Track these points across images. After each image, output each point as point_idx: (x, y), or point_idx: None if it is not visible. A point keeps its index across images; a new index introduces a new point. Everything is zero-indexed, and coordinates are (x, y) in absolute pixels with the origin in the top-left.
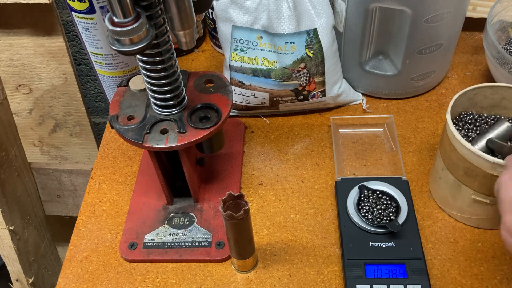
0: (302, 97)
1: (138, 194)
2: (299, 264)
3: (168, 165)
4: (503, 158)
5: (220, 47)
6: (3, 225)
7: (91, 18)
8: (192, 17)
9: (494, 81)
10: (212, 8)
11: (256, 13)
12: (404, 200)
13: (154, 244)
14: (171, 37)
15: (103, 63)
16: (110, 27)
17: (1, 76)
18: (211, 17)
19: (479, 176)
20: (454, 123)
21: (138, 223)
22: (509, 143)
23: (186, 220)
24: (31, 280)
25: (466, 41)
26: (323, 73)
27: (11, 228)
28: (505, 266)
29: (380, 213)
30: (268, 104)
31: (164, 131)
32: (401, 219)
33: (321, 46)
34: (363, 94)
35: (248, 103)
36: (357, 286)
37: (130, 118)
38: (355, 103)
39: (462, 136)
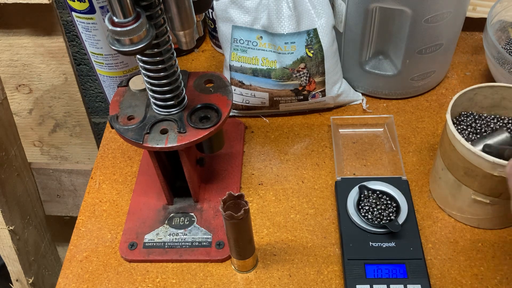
0: (302, 97)
1: (138, 194)
2: (299, 264)
3: (168, 165)
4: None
5: (220, 47)
6: (3, 225)
7: (91, 18)
8: (192, 17)
9: (494, 81)
10: (212, 8)
11: (256, 13)
12: (404, 200)
13: (154, 244)
14: (171, 37)
15: (103, 63)
16: (110, 27)
17: (1, 76)
18: (211, 17)
19: (479, 176)
20: (454, 123)
21: (138, 223)
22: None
23: (186, 220)
24: (31, 280)
25: (466, 41)
26: (323, 73)
27: (11, 228)
28: (505, 266)
29: (380, 213)
30: (268, 104)
31: (164, 131)
32: (401, 219)
33: (321, 46)
34: (363, 94)
35: (248, 103)
36: (357, 286)
37: (130, 118)
38: (355, 103)
39: (462, 136)
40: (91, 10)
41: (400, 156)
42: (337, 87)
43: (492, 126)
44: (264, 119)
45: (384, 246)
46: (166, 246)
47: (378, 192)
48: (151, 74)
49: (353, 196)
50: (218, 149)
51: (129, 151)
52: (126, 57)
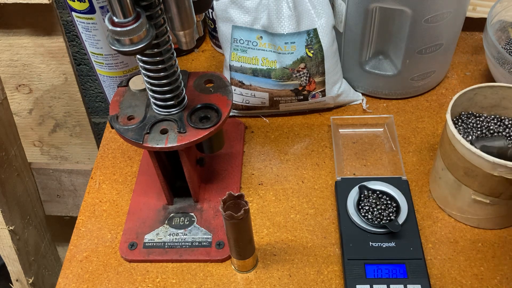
0: (302, 97)
1: (138, 194)
2: (299, 264)
3: (168, 165)
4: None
5: (220, 47)
6: (3, 225)
7: (91, 18)
8: (192, 17)
9: (494, 81)
10: (212, 8)
11: (256, 13)
12: (404, 200)
13: (154, 244)
14: (171, 37)
15: (103, 63)
16: (110, 27)
17: (1, 76)
18: (211, 17)
19: (479, 176)
20: (454, 123)
21: (138, 223)
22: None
23: (186, 220)
24: (31, 280)
25: (466, 41)
26: (323, 73)
27: (11, 228)
28: (505, 266)
29: (380, 213)
30: (268, 104)
31: (164, 131)
32: (401, 219)
33: (321, 46)
34: (363, 94)
35: (248, 103)
36: (357, 286)
37: (130, 118)
38: (355, 103)
39: (462, 136)
40: (91, 10)
41: (400, 156)
42: (337, 87)
43: (492, 126)
44: (264, 119)
45: (384, 246)
46: (166, 246)
47: (378, 192)
48: (151, 74)
49: (353, 196)
50: (218, 149)
51: (129, 151)
52: (126, 57)
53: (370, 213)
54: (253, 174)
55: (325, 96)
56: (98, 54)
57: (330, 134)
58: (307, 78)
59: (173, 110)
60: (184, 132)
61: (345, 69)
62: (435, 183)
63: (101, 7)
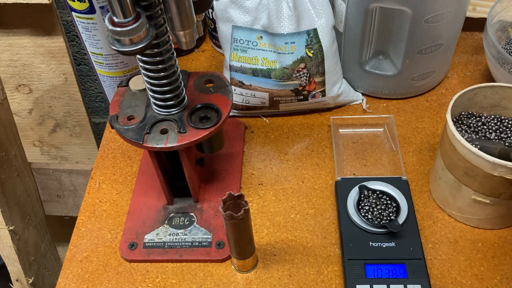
0: (302, 97)
1: (138, 194)
2: (299, 264)
3: (168, 165)
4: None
5: (220, 47)
6: (3, 225)
7: (91, 18)
8: (192, 17)
9: (494, 81)
10: (212, 8)
11: (256, 13)
12: (404, 200)
13: (154, 244)
14: (171, 37)
15: (103, 63)
16: (110, 27)
17: (1, 76)
18: (211, 17)
19: (479, 176)
20: (454, 123)
21: (138, 223)
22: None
23: (186, 220)
24: (31, 280)
25: (466, 41)
26: (323, 73)
27: (11, 228)
28: (505, 266)
29: (380, 213)
30: (268, 104)
31: (164, 131)
32: (401, 219)
33: (321, 46)
34: (363, 94)
35: (248, 103)
36: (357, 286)
37: (130, 118)
38: (355, 103)
39: (462, 136)
40: (91, 10)
41: (400, 156)
42: (337, 87)
43: (492, 126)
44: (264, 119)
45: (384, 246)
46: (166, 246)
47: (378, 192)
48: (151, 74)
49: (353, 196)
50: (218, 149)
51: (129, 151)
52: (126, 57)
53: (370, 213)
54: (253, 174)
55: (325, 96)
56: (98, 54)
57: (330, 134)
58: (307, 78)
59: (173, 110)
60: (184, 132)
61: (345, 69)
62: (435, 183)
63: (101, 7)
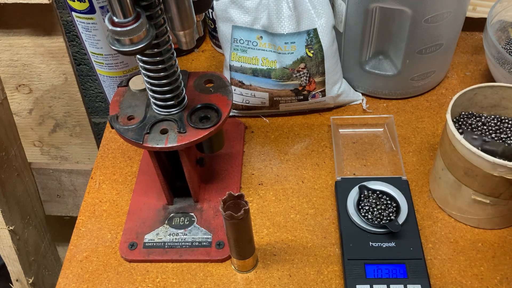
0: (302, 97)
1: (138, 194)
2: (299, 264)
3: (168, 165)
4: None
5: (220, 47)
6: (3, 225)
7: (91, 18)
8: (192, 17)
9: (494, 81)
10: (212, 8)
11: (256, 13)
12: (404, 200)
13: (154, 244)
14: (171, 37)
15: (103, 63)
16: (110, 27)
17: (1, 76)
18: (211, 17)
19: (479, 176)
20: (454, 123)
21: (138, 223)
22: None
23: (186, 220)
24: (31, 280)
25: (466, 41)
26: (323, 73)
27: (11, 228)
28: (505, 266)
29: (380, 213)
30: (268, 104)
31: (164, 131)
32: (401, 219)
33: (321, 46)
34: (363, 94)
35: (248, 103)
36: (357, 286)
37: (130, 118)
38: (355, 103)
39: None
40: (91, 10)
41: (400, 156)
42: (337, 87)
43: (492, 126)
44: (264, 119)
45: (384, 246)
46: (166, 246)
47: (378, 192)
48: (151, 74)
49: (353, 196)
50: (218, 149)
51: (129, 151)
52: (126, 57)
53: (370, 213)
54: (253, 174)
55: (325, 96)
56: (98, 54)
57: (330, 134)
58: (307, 78)
59: (173, 110)
60: (184, 132)
61: (345, 69)
62: (435, 183)
63: (101, 7)
